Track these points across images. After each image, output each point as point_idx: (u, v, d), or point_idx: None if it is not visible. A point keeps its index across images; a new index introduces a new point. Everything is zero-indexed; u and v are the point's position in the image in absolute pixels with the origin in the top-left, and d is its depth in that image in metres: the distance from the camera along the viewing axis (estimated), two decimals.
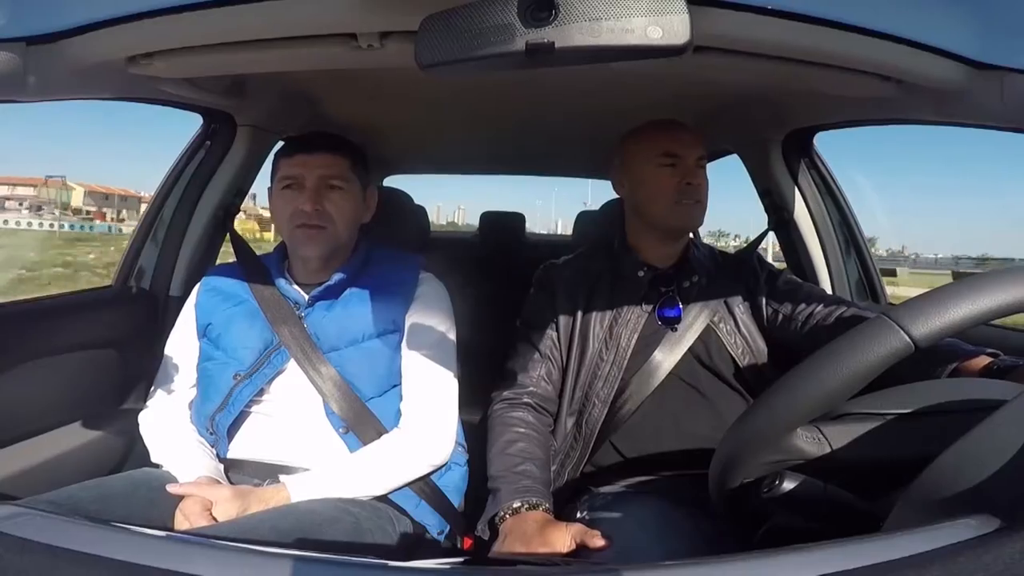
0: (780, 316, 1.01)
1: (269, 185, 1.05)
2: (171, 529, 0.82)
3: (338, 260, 1.03)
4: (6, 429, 1.01)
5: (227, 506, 0.83)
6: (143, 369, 1.29)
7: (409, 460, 0.94)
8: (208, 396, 0.97)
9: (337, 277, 1.00)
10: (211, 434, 0.97)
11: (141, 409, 1.03)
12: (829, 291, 1.40)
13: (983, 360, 0.75)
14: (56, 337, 1.10)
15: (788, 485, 0.53)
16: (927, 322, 0.45)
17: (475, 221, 2.69)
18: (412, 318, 1.01)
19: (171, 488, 0.85)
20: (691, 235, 1.11)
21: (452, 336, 1.03)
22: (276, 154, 1.05)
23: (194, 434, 0.99)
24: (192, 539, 0.69)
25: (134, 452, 1.24)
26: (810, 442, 0.55)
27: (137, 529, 0.45)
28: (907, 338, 0.46)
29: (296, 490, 0.87)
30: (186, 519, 0.82)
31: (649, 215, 1.04)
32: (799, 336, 0.97)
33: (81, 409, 1.16)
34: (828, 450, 0.53)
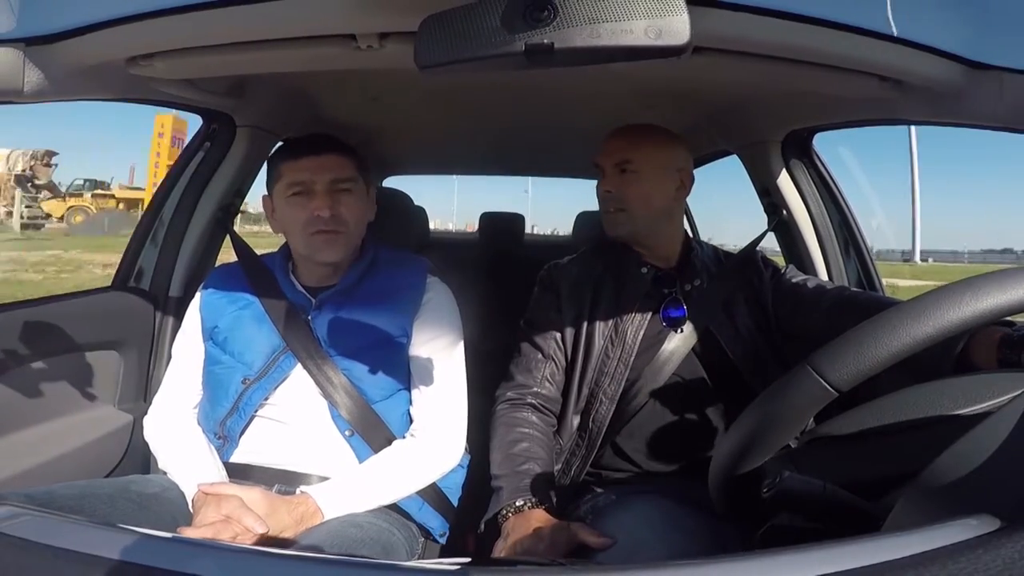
0: (790, 308, 1.02)
1: (266, 190, 1.03)
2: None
3: (346, 262, 1.02)
4: (5, 429, 1.01)
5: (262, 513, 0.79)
6: (143, 370, 1.29)
7: (424, 467, 0.94)
8: (218, 401, 0.97)
9: (345, 280, 0.99)
10: (219, 438, 0.97)
11: (140, 410, 1.03)
12: None
13: (997, 332, 0.70)
14: (56, 337, 1.10)
15: (788, 485, 0.53)
16: (845, 368, 0.47)
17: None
18: (421, 324, 1.00)
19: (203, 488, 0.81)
20: (689, 235, 1.11)
21: (461, 341, 1.03)
22: (274, 157, 1.02)
23: (203, 440, 0.98)
24: (192, 540, 0.69)
25: (132, 453, 1.23)
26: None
27: (138, 530, 0.45)
28: (826, 385, 0.48)
29: (329, 509, 0.85)
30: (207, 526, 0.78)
31: None
32: (816, 322, 0.97)
33: (80, 410, 1.16)
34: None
